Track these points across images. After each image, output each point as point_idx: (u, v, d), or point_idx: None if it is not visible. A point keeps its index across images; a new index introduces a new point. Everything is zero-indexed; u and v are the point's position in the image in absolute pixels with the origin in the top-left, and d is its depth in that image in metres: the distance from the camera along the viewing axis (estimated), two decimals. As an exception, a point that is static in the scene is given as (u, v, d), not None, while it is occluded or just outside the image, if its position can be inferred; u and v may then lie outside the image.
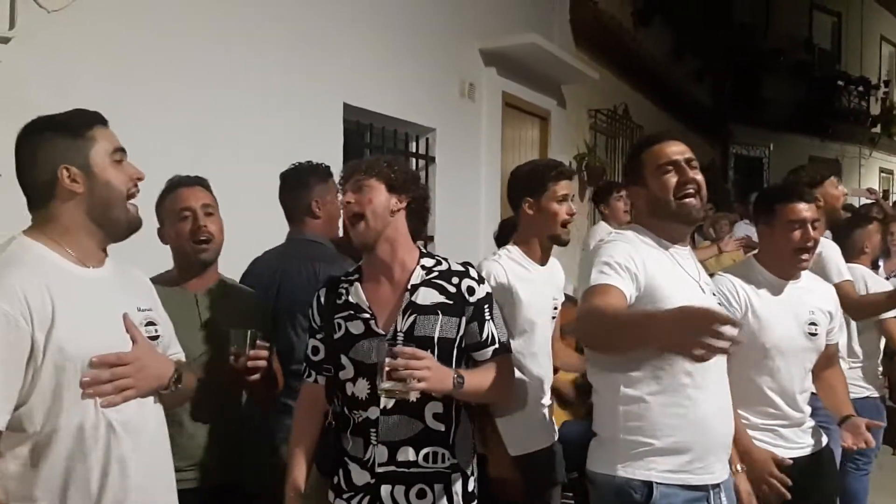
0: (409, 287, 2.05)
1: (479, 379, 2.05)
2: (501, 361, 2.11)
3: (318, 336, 2.15)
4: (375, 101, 4.26)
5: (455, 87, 5.16)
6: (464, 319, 2.05)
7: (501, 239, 3.52)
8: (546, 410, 2.74)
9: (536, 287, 2.67)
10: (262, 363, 2.21)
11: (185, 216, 2.31)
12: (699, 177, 2.08)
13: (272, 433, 2.77)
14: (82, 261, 1.64)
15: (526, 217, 2.71)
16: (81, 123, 1.65)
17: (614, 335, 1.82)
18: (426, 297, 2.05)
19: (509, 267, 2.64)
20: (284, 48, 3.59)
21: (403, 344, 1.97)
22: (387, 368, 1.85)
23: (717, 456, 2.05)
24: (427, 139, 4.92)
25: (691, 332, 1.51)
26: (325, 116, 3.90)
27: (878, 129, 16.72)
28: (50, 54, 2.55)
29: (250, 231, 3.03)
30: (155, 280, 2.01)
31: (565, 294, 3.04)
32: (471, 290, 2.07)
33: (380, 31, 4.29)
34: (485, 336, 2.08)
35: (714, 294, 2.16)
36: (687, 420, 1.97)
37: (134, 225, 1.72)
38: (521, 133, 6.19)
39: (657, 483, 1.95)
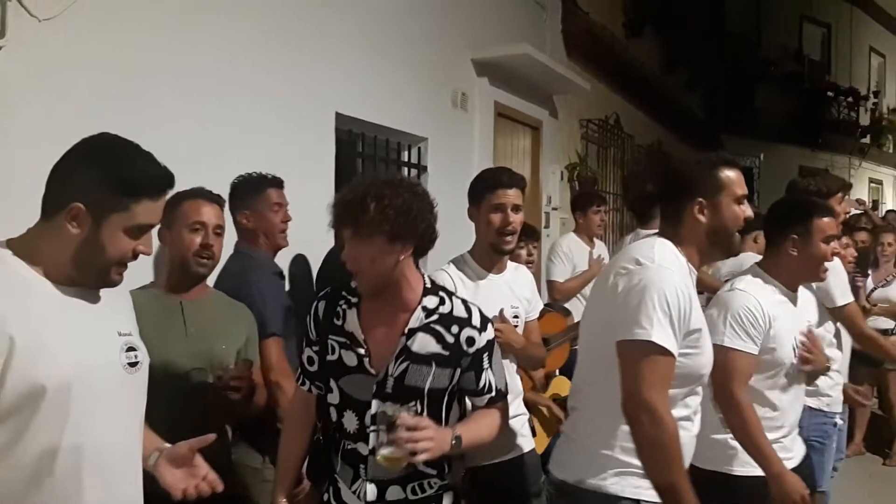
0: (405, 331, 1.96)
1: (475, 432, 2.01)
2: (496, 409, 2.09)
3: (314, 348, 2.08)
4: (367, 110, 4.27)
5: (447, 96, 5.17)
6: (459, 370, 1.99)
7: None
8: (515, 420, 2.68)
9: (483, 294, 2.65)
10: (243, 383, 2.20)
11: (197, 229, 2.32)
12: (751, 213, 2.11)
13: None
14: (60, 281, 1.56)
15: (475, 227, 2.74)
16: (131, 190, 1.55)
17: (655, 465, 1.86)
18: (422, 344, 1.96)
19: (454, 274, 2.66)
20: (277, 58, 3.59)
21: (395, 391, 1.93)
22: (387, 438, 1.80)
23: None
24: (419, 148, 4.93)
25: None
26: (317, 125, 3.90)
27: (867, 140, 16.84)
28: (42, 63, 2.54)
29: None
30: (140, 288, 1.99)
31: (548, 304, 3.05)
32: (470, 342, 1.99)
33: (372, 41, 4.30)
34: (481, 385, 2.04)
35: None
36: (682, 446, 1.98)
37: (108, 286, 1.63)
38: (514, 143, 6.21)
39: (645, 501, 1.95)
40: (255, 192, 2.94)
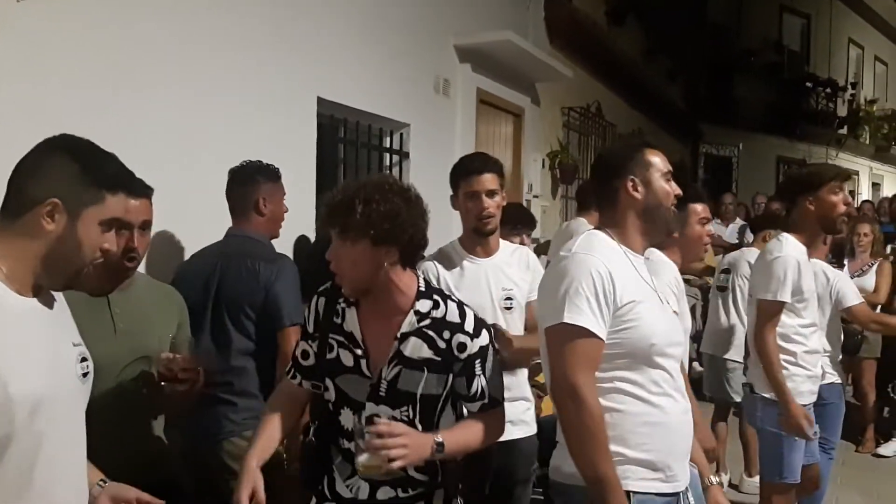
0: (398, 335, 1.95)
1: (463, 439, 2.00)
2: (489, 415, 2.06)
3: (311, 343, 2.07)
4: (350, 95, 4.24)
5: (430, 82, 5.16)
6: (451, 376, 1.99)
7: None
8: (515, 404, 2.71)
9: (469, 278, 2.70)
10: (192, 374, 2.14)
11: (122, 232, 2.08)
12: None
13: (207, 429, 2.75)
14: (21, 290, 1.48)
15: (458, 211, 2.80)
16: (109, 181, 1.52)
17: (580, 457, 1.90)
18: (415, 349, 1.95)
19: (429, 267, 2.70)
20: (258, 41, 3.56)
21: (388, 395, 1.94)
22: (363, 445, 1.82)
23: (682, 462, 2.07)
24: (401, 134, 4.91)
25: None
26: (299, 110, 3.88)
27: (844, 131, 17.00)
28: (20, 45, 2.50)
29: (223, 227, 3.01)
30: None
31: None
32: (461, 347, 1.97)
33: (355, 26, 4.27)
34: (473, 391, 2.02)
35: (668, 301, 2.17)
36: (656, 428, 1.99)
37: (72, 288, 1.59)
38: (496, 130, 6.20)
39: (634, 492, 1.95)
40: (274, 180, 2.97)
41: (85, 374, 1.62)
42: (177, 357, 2.15)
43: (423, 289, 2.01)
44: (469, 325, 2.00)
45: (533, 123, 6.77)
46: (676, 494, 2.04)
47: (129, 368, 2.16)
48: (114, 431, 1.91)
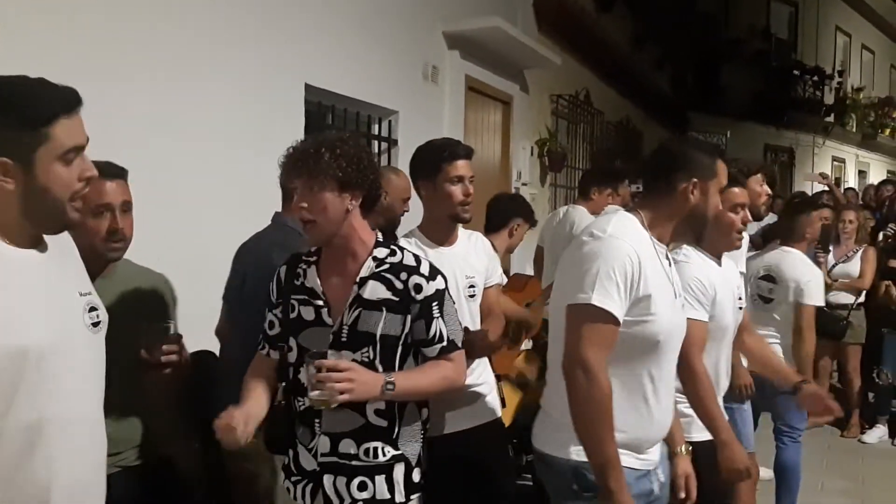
0: (357, 280, 2.03)
1: (416, 380, 2.03)
2: (447, 359, 2.09)
3: (275, 311, 2.15)
4: (338, 82, 4.23)
5: (418, 69, 5.14)
6: (409, 318, 2.03)
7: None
8: (479, 388, 2.71)
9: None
10: (175, 357, 2.10)
11: (102, 212, 2.09)
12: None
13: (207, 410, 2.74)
14: (18, 243, 1.50)
15: (425, 200, 2.70)
16: (42, 115, 1.45)
17: (585, 433, 1.93)
18: (373, 291, 2.03)
19: (411, 247, 2.62)
20: (246, 28, 3.54)
21: (349, 339, 2.00)
22: (312, 380, 1.88)
23: (656, 445, 2.15)
24: (390, 121, 4.90)
25: None
26: (287, 97, 3.86)
27: (831, 119, 17.06)
28: (3, 35, 2.48)
29: (211, 215, 3.00)
30: None
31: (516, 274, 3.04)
32: (418, 288, 2.04)
33: (343, 12, 4.25)
34: (431, 334, 2.06)
35: (679, 295, 2.18)
36: (642, 419, 2.04)
37: (70, 227, 1.57)
38: (484, 117, 6.19)
39: None
40: None
41: (95, 324, 1.63)
42: (158, 342, 2.11)
43: (380, 239, 2.12)
44: (424, 269, 2.07)
45: (521, 111, 6.76)
46: (648, 471, 2.10)
47: (115, 354, 2.13)
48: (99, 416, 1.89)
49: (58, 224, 1.55)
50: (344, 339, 2.02)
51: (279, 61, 3.75)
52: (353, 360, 1.98)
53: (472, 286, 2.72)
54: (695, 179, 2.09)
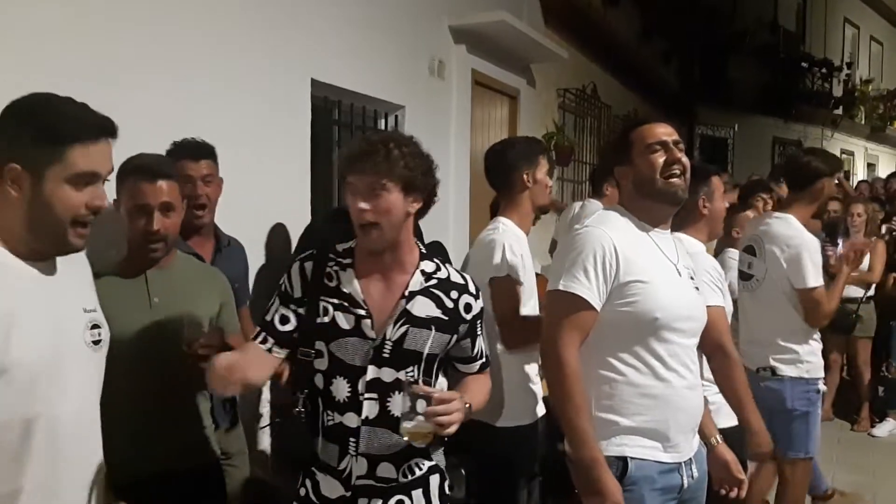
0: (406, 294, 1.91)
1: (478, 400, 2.01)
2: (487, 374, 2.11)
3: (293, 308, 1.94)
4: (344, 77, 4.21)
5: (424, 64, 5.12)
6: (455, 337, 1.97)
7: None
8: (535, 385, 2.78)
9: (529, 256, 2.76)
10: (213, 352, 2.09)
11: (141, 213, 2.13)
12: (685, 158, 2.13)
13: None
14: (21, 254, 1.49)
15: (523, 188, 2.81)
16: (59, 135, 1.46)
17: (559, 409, 2.01)
18: (422, 308, 1.92)
19: (513, 237, 2.71)
20: (252, 23, 3.53)
21: (392, 356, 1.88)
22: (419, 413, 1.75)
23: (685, 435, 2.10)
24: (396, 116, 4.89)
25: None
26: (293, 91, 3.85)
27: (840, 111, 16.96)
28: (12, 39, 2.48)
29: (220, 208, 3.00)
30: (98, 254, 1.86)
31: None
32: (468, 308, 1.97)
33: (349, 7, 4.23)
34: (476, 351, 2.04)
35: (692, 277, 2.18)
36: (656, 401, 2.03)
37: (69, 252, 1.55)
38: (491, 112, 6.17)
39: (631, 458, 2.01)
40: None
41: (97, 342, 1.61)
42: (198, 336, 2.14)
43: (423, 251, 2.01)
44: (472, 287, 2.02)
45: (528, 105, 6.74)
46: (677, 465, 2.06)
47: (159, 343, 2.15)
48: (147, 407, 1.90)
49: (58, 244, 1.53)
50: (386, 355, 1.89)
51: (285, 56, 3.75)
52: (397, 379, 1.88)
53: (538, 273, 2.89)
54: (618, 167, 2.20)
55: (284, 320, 1.94)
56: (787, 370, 3.26)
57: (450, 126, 5.34)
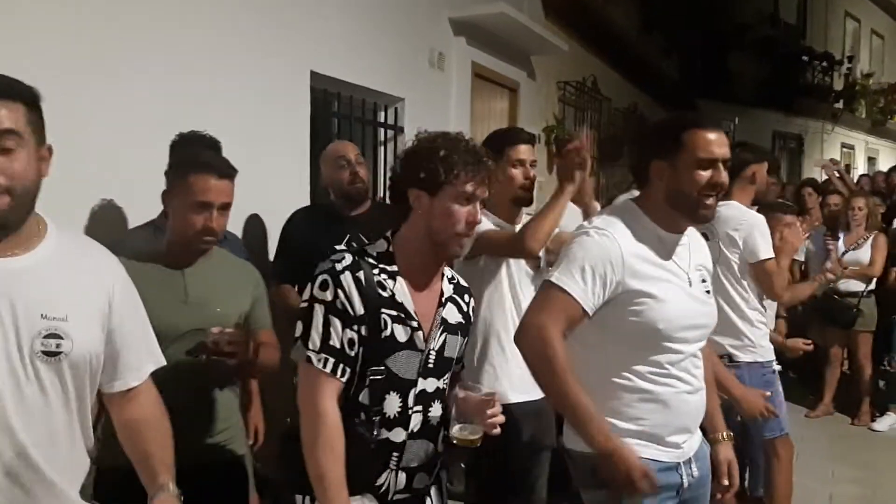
0: (442, 301, 1.87)
1: None
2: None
3: (356, 328, 1.74)
4: (343, 69, 4.19)
5: (424, 56, 5.10)
6: (466, 340, 1.98)
7: None
8: None
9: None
10: (237, 349, 2.15)
11: (202, 209, 2.16)
12: (725, 178, 1.98)
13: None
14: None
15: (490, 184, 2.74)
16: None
17: (549, 389, 1.94)
18: (452, 314, 1.89)
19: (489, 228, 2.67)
20: (251, 15, 3.50)
21: (435, 365, 1.84)
22: (471, 416, 1.77)
23: (682, 435, 2.07)
24: (396, 109, 4.86)
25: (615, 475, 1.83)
26: (293, 84, 3.83)
27: (840, 105, 16.93)
28: (12, 39, 2.45)
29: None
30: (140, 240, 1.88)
31: None
32: (474, 311, 2.01)
33: (348, -2, 4.21)
34: (464, 351, 2.03)
35: (704, 280, 2.13)
36: (657, 405, 2.00)
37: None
38: (491, 104, 6.15)
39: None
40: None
41: (52, 354, 1.45)
42: (225, 331, 2.16)
43: None
44: (469, 290, 2.03)
45: (528, 98, 6.71)
46: (676, 464, 2.04)
47: (192, 337, 2.17)
48: (178, 400, 1.88)
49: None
50: (431, 366, 1.84)
51: (285, 48, 3.72)
52: (437, 388, 1.87)
53: (538, 267, 2.84)
54: (657, 161, 2.00)
55: (352, 344, 1.75)
56: (742, 356, 3.34)
57: (449, 118, 5.32)
